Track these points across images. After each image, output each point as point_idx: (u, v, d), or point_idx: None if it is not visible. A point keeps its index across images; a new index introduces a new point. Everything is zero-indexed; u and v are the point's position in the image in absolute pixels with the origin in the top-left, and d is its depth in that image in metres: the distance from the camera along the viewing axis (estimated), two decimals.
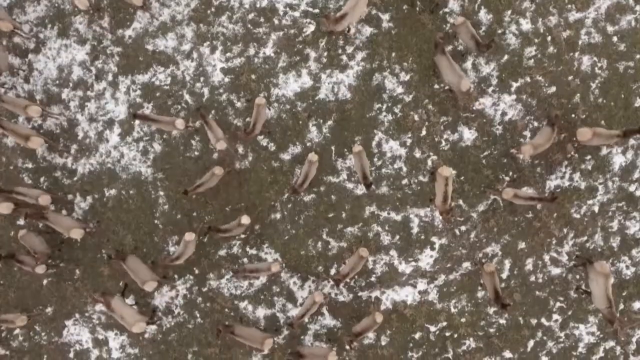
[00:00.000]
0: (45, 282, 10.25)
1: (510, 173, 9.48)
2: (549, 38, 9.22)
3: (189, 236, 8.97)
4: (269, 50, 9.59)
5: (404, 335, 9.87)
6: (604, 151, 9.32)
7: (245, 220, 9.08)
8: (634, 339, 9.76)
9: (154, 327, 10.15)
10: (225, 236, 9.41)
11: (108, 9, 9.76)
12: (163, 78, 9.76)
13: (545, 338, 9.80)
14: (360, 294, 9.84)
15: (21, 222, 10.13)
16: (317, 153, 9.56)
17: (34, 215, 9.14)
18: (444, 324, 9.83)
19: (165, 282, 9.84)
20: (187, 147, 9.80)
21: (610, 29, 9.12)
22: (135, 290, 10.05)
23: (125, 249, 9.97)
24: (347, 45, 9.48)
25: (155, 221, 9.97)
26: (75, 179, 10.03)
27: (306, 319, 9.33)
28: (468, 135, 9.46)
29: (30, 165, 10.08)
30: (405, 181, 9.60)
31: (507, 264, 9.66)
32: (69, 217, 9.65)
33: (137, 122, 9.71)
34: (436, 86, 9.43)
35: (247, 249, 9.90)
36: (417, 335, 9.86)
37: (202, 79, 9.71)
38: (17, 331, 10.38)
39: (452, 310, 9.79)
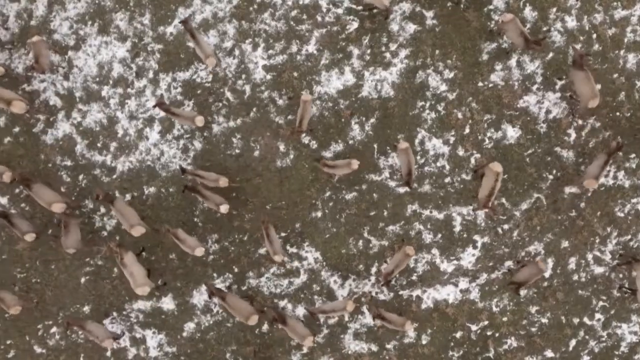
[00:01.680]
0: (83, 280, 10.20)
1: (554, 171, 9.43)
2: (594, 36, 9.19)
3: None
4: (311, 48, 9.55)
5: (445, 334, 9.82)
6: None
7: (224, 209, 9.14)
8: None
9: (192, 325, 10.10)
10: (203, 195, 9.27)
11: (149, 5, 9.71)
12: (204, 75, 9.72)
13: (587, 337, 9.76)
14: (401, 292, 9.79)
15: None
16: (359, 151, 9.53)
17: (21, 180, 9.14)
18: (486, 322, 9.78)
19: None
20: (228, 145, 9.75)
21: None
22: (173, 288, 10.01)
23: (163, 232, 9.88)
24: (391, 42, 9.45)
25: (195, 219, 9.92)
26: (114, 176, 9.98)
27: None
28: (512, 133, 9.41)
29: (69, 163, 10.03)
30: (448, 179, 9.56)
31: (550, 262, 9.62)
32: (51, 191, 9.43)
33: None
34: (480, 84, 9.40)
35: (288, 247, 9.86)
36: (458, 334, 9.81)
37: (243, 76, 9.67)
38: (53, 329, 10.33)
39: (494, 309, 9.74)
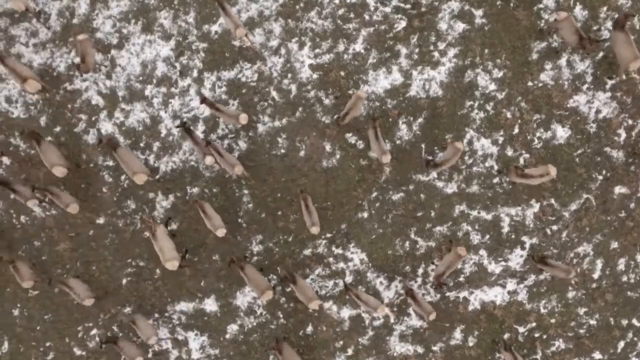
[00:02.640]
0: (124, 281, 10.10)
1: (604, 172, 9.35)
2: None
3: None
4: (359, 47, 9.46)
5: (492, 336, 9.73)
6: None
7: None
8: None
9: (235, 327, 9.99)
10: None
11: (194, 4, 9.61)
12: (250, 74, 9.62)
13: (636, 339, 9.67)
14: (448, 294, 9.70)
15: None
16: (407, 151, 9.45)
17: (30, 135, 9.15)
18: (533, 324, 9.69)
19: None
20: (273, 145, 9.65)
21: None
22: (216, 289, 9.91)
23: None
24: (439, 41, 9.36)
25: (239, 220, 9.82)
26: (157, 177, 9.87)
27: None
28: (561, 133, 9.33)
29: (110, 163, 9.92)
30: (496, 180, 9.47)
31: (599, 264, 9.53)
32: (58, 154, 9.34)
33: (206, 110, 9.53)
34: (529, 83, 9.31)
35: (333, 248, 9.76)
36: (506, 336, 9.72)
37: (289, 75, 9.57)
38: (94, 331, 10.21)
39: (542, 310, 9.65)
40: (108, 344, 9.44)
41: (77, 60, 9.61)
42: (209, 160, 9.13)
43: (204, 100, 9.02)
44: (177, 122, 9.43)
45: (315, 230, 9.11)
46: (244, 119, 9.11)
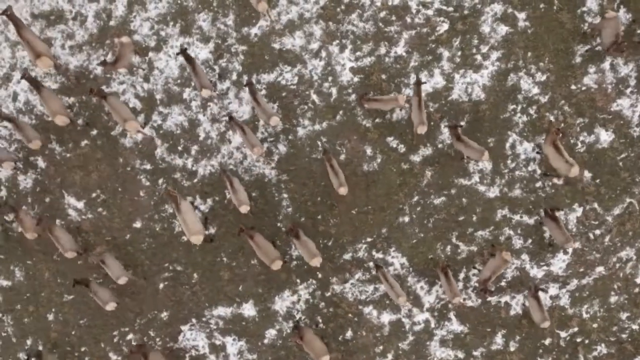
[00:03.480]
0: (161, 286, 10.02)
1: None
2: None
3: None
4: (400, 49, 9.38)
5: (534, 340, 9.66)
6: None
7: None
8: None
9: (274, 332, 9.92)
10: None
11: (233, 6, 9.52)
12: (290, 77, 9.54)
13: None
14: (489, 299, 9.62)
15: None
16: (449, 155, 9.38)
17: (30, 81, 8.98)
18: (575, 329, 9.62)
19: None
20: (313, 148, 9.58)
21: None
22: (254, 294, 9.83)
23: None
24: (482, 44, 9.29)
25: (278, 224, 9.73)
26: (195, 180, 9.79)
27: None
28: (605, 137, 9.26)
29: (148, 167, 9.84)
30: (539, 184, 9.40)
31: None
32: (60, 103, 9.26)
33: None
34: (573, 87, 9.24)
35: (374, 252, 9.69)
36: (547, 341, 9.65)
37: (330, 78, 9.49)
38: (130, 336, 10.13)
39: (584, 315, 9.58)
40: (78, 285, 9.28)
41: (110, 58, 9.53)
42: (205, 92, 9.00)
43: (249, 84, 8.94)
44: (179, 52, 9.04)
45: (343, 191, 8.97)
46: (274, 121, 9.00)
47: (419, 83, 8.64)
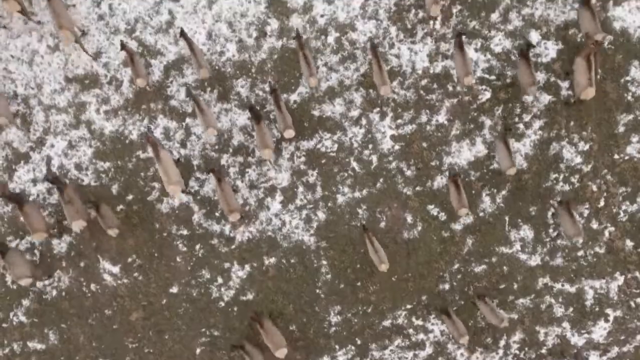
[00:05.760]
0: (198, 350, 9.96)
1: None
2: None
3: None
4: (442, 118, 9.31)
5: None
6: None
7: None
8: None
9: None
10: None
11: (272, 72, 9.41)
12: (329, 144, 9.45)
13: None
14: None
15: None
16: (490, 224, 9.33)
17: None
18: None
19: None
20: (353, 216, 9.51)
21: None
22: (292, 359, 9.78)
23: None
24: (525, 113, 9.22)
25: (317, 290, 9.68)
26: (232, 247, 9.71)
27: None
28: None
29: (185, 232, 9.75)
30: (580, 252, 9.37)
31: None
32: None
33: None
34: (616, 156, 9.19)
35: (413, 319, 9.65)
36: None
37: (370, 146, 9.41)
38: None
39: None
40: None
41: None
42: (203, 72, 8.94)
43: (274, 90, 8.83)
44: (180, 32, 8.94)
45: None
46: (289, 134, 8.91)
47: (373, 47, 8.56)
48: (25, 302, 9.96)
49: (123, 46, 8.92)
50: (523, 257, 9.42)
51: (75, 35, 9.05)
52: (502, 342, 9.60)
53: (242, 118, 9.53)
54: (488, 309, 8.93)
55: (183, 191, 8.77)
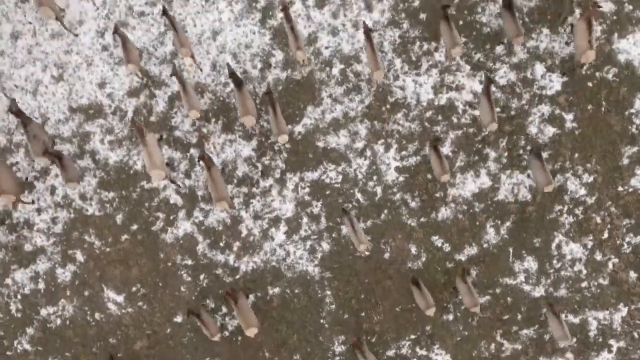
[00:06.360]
0: None
1: None
2: None
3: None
4: (446, 149, 9.31)
5: None
6: None
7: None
8: None
9: None
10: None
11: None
12: (334, 176, 9.46)
13: None
14: None
15: None
16: (494, 255, 9.35)
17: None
18: None
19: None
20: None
21: None
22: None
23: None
24: (529, 145, 9.22)
25: (321, 321, 9.70)
26: (237, 277, 9.73)
27: None
28: None
29: (189, 262, 9.76)
30: (584, 284, 9.39)
31: None
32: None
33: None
34: (620, 188, 9.21)
35: (417, 349, 9.67)
36: None
37: (374, 177, 9.42)
38: None
39: None
40: None
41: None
42: (184, 51, 8.82)
43: (269, 93, 8.70)
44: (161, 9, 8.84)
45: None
46: (283, 139, 8.85)
47: (367, 31, 8.42)
48: (30, 331, 9.97)
49: (175, 73, 8.70)
50: (527, 288, 9.44)
51: (55, 12, 8.81)
52: None
53: (247, 149, 9.54)
54: (465, 288, 8.85)
55: (172, 182, 8.58)
